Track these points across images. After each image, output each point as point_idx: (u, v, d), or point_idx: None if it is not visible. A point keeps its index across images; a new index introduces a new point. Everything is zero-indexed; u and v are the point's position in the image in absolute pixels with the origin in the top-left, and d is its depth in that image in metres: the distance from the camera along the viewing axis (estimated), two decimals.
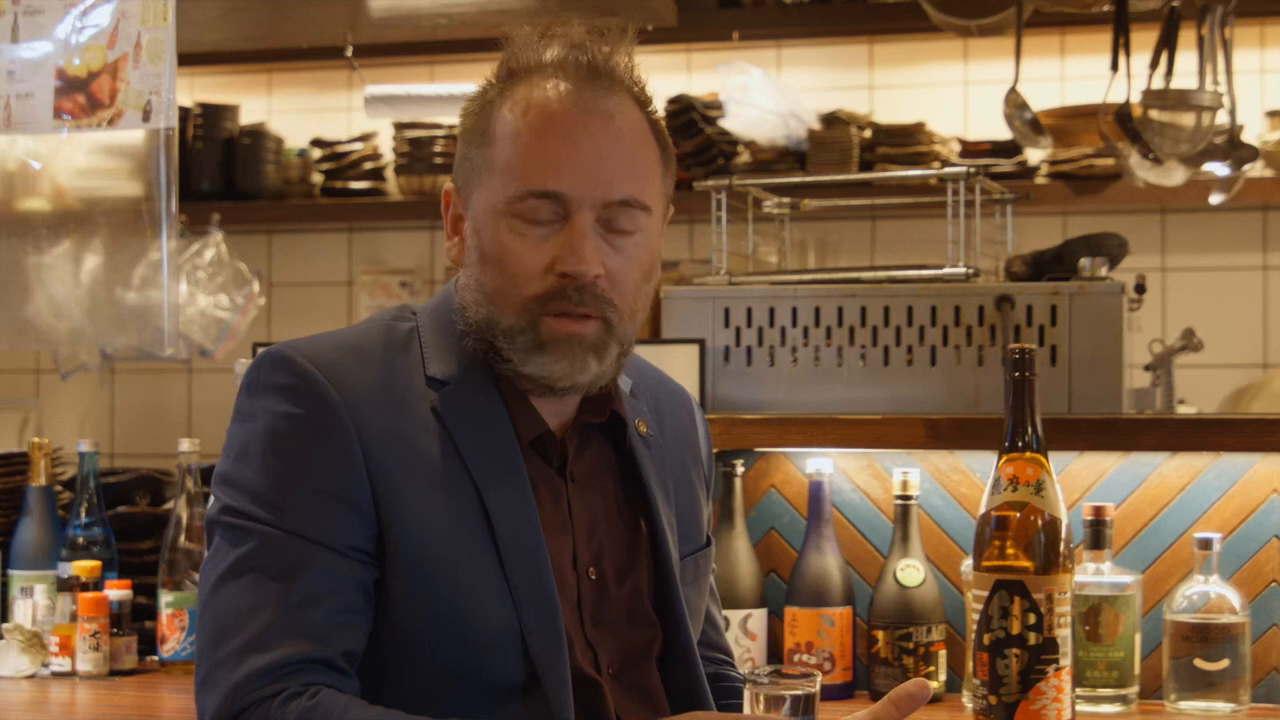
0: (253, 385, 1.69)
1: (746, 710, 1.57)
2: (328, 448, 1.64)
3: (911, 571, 2.44)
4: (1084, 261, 2.68)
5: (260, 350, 1.78)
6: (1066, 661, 1.84)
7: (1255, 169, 3.99)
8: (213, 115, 4.85)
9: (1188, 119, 3.47)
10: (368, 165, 4.85)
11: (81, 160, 3.03)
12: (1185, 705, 2.36)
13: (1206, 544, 2.36)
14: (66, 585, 2.71)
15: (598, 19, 1.75)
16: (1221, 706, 2.34)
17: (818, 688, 1.56)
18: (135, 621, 2.73)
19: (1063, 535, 1.86)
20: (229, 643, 1.59)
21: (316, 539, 1.62)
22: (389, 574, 1.64)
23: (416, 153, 4.74)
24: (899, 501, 2.47)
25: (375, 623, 1.65)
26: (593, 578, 1.74)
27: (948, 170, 2.71)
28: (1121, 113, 3.49)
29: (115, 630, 2.66)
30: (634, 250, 1.71)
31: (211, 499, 1.69)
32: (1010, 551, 1.86)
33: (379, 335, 1.73)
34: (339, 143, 4.90)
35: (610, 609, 1.74)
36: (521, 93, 1.70)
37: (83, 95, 2.87)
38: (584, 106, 1.68)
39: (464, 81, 4.47)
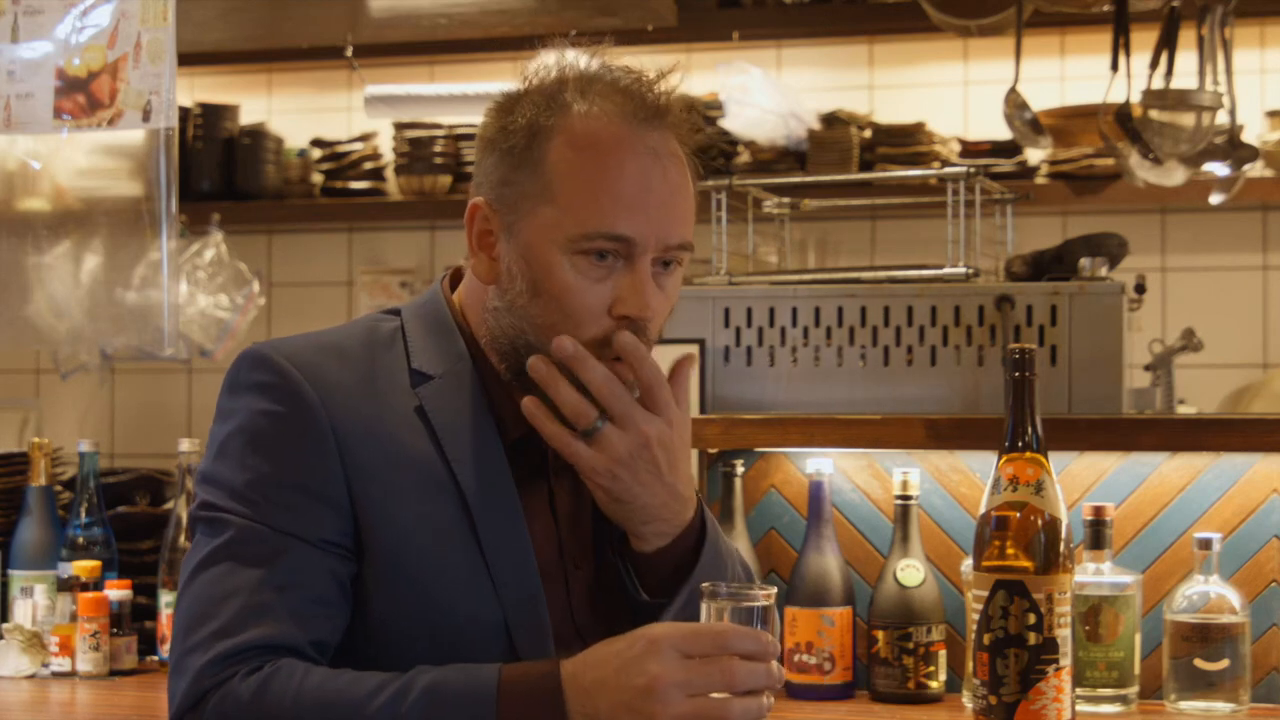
0: (233, 384, 1.71)
1: (703, 622, 1.60)
2: (304, 444, 1.66)
3: (911, 571, 2.44)
4: (1084, 261, 2.68)
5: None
6: (1066, 661, 1.84)
7: (1255, 169, 3.99)
8: (213, 115, 4.85)
9: (1188, 119, 3.47)
10: (368, 165, 4.85)
11: (81, 160, 3.03)
12: (1185, 705, 2.35)
13: (1206, 544, 2.36)
14: (66, 585, 2.71)
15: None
16: (1221, 706, 2.34)
17: (773, 601, 1.60)
18: (135, 621, 2.73)
19: (1063, 535, 1.86)
20: (200, 630, 1.61)
21: (291, 532, 1.64)
22: (368, 569, 1.66)
23: (416, 153, 4.73)
24: (899, 501, 2.47)
25: (356, 618, 1.67)
26: (579, 568, 1.75)
27: (948, 170, 2.71)
28: (1121, 113, 3.49)
29: (115, 630, 2.66)
30: (672, 288, 1.74)
31: (195, 497, 1.71)
32: (1010, 551, 1.86)
33: (361, 334, 1.75)
34: (339, 143, 4.90)
35: (598, 598, 1.76)
36: (579, 125, 1.68)
37: (83, 95, 2.87)
38: (651, 148, 1.68)
39: (464, 81, 4.48)
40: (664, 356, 2.66)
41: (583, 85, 1.70)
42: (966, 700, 2.40)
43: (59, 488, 2.91)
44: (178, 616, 1.65)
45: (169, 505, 2.94)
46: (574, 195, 1.67)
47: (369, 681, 1.57)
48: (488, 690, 1.54)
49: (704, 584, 1.62)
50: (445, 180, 4.71)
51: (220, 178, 4.83)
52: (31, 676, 2.65)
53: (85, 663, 2.63)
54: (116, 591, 2.67)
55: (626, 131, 1.68)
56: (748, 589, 1.60)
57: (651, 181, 1.68)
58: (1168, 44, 3.45)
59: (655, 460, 1.67)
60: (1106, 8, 3.56)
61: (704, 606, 1.60)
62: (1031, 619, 1.83)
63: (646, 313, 1.68)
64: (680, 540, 1.72)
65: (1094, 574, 2.36)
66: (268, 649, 1.60)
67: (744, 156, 4.46)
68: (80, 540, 2.77)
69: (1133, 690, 2.37)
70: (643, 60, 1.76)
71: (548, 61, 1.73)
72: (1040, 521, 1.86)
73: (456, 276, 1.82)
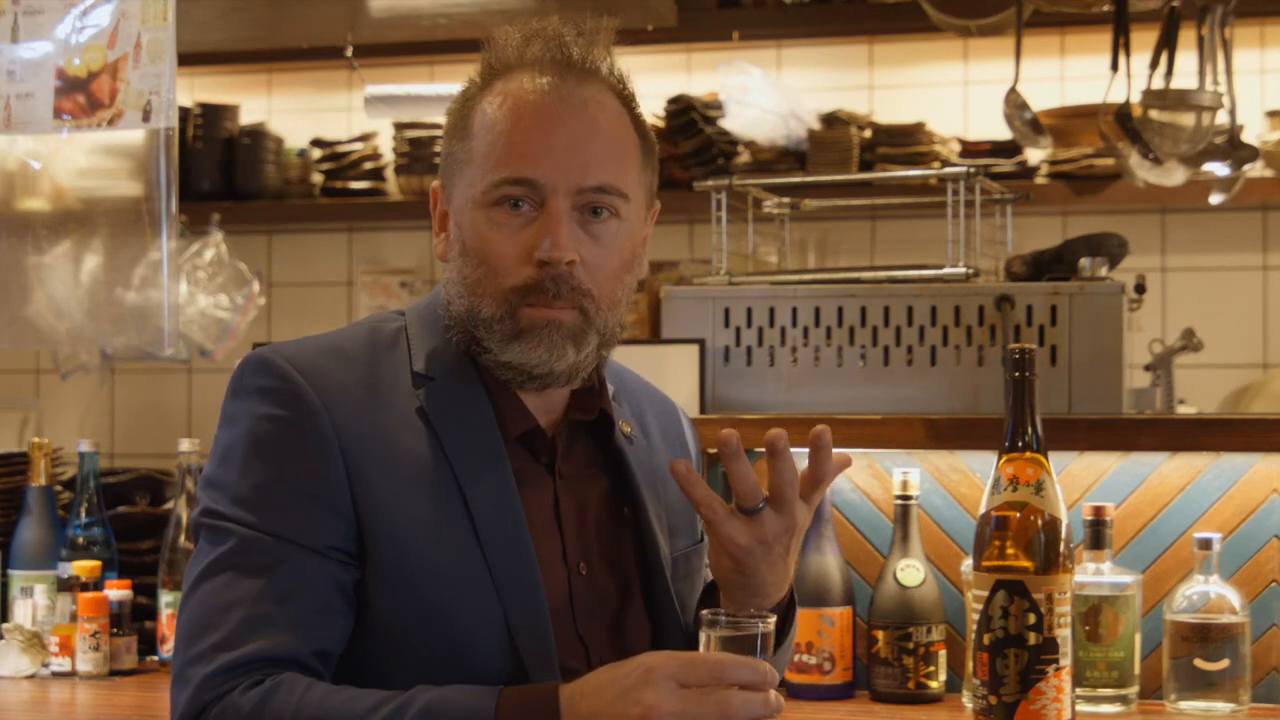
0: (236, 389, 1.71)
1: (701, 651, 1.59)
2: (307, 449, 1.65)
3: (911, 571, 2.44)
4: (1084, 261, 2.68)
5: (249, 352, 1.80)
6: (1066, 661, 1.84)
7: (1255, 169, 3.99)
8: (213, 115, 4.85)
9: (1188, 119, 3.47)
10: (368, 165, 4.85)
11: (81, 160, 3.03)
12: (1185, 705, 2.36)
13: (1206, 544, 2.36)
14: (66, 585, 2.71)
15: (593, 19, 1.75)
16: (1221, 706, 2.34)
17: (771, 629, 1.60)
18: (135, 621, 2.73)
19: (1063, 535, 1.86)
20: (202, 640, 1.61)
21: (293, 539, 1.63)
22: (370, 573, 1.65)
23: (416, 153, 4.73)
24: (899, 501, 2.47)
25: (359, 623, 1.66)
26: (583, 573, 1.75)
27: (948, 170, 2.71)
28: (1121, 113, 3.49)
29: (115, 630, 2.66)
30: (612, 239, 1.72)
31: (197, 502, 1.71)
32: (1010, 551, 1.86)
33: (364, 336, 1.76)
34: (339, 143, 4.90)
35: (601, 604, 1.76)
36: (499, 87, 1.73)
37: (83, 95, 2.87)
38: (559, 95, 1.70)
39: (464, 82, 4.47)
40: (665, 356, 2.67)
41: (507, 56, 1.74)
42: (966, 700, 2.40)
43: (59, 488, 2.91)
44: (180, 626, 1.65)
45: (169, 505, 2.94)
46: (485, 149, 1.70)
47: (368, 699, 1.57)
48: (485, 713, 1.54)
49: (703, 611, 1.61)
50: None
51: (220, 178, 4.83)
52: (31, 676, 2.65)
53: (85, 663, 2.63)
54: (116, 591, 2.67)
55: (539, 84, 1.71)
56: (747, 617, 1.59)
57: (555, 124, 1.69)
58: (1168, 44, 3.45)
59: (789, 546, 1.69)
60: (1106, 8, 3.56)
61: (702, 635, 1.60)
62: (1031, 619, 1.83)
63: (558, 253, 1.67)
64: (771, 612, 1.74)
65: (1094, 574, 2.36)
66: (269, 661, 1.60)
67: (744, 156, 4.46)
68: (80, 540, 2.77)
69: (1133, 690, 2.37)
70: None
71: (485, 52, 1.78)
72: (1040, 521, 1.86)
73: None
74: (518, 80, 1.72)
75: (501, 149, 1.69)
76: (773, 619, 1.60)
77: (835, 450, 1.72)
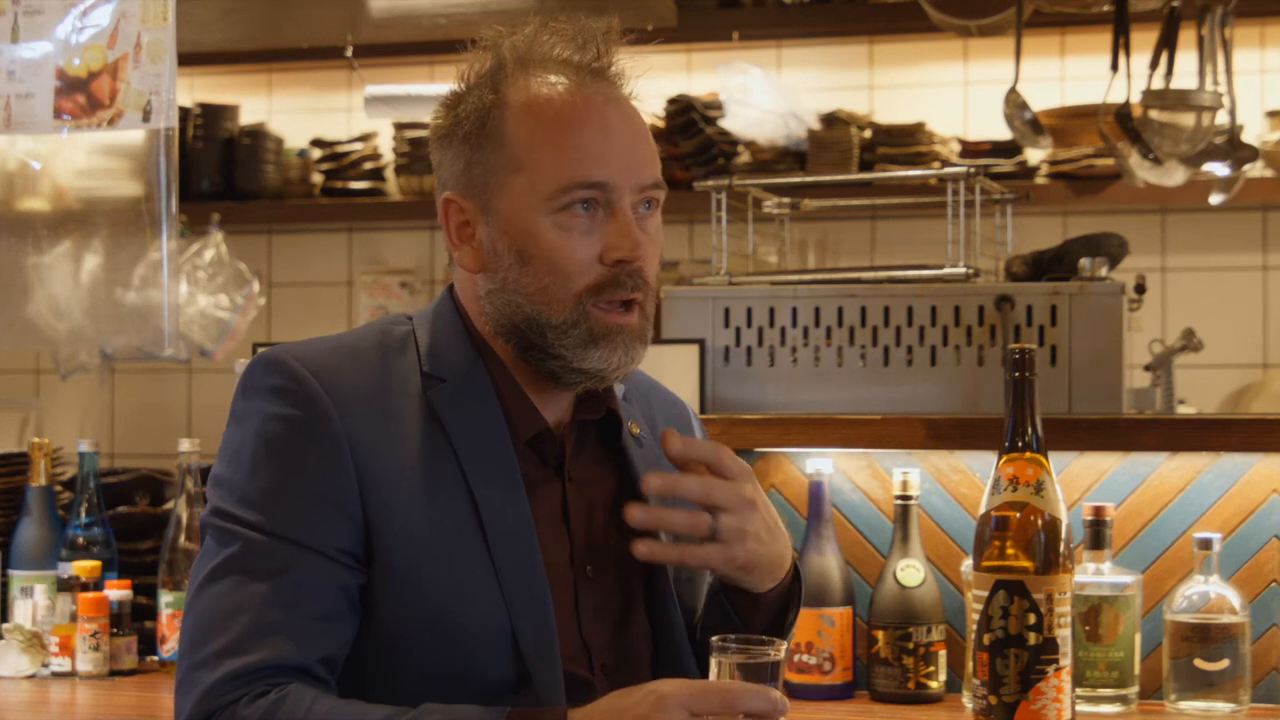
0: (247, 388, 1.70)
1: (712, 678, 1.60)
2: (318, 451, 1.65)
3: (911, 571, 2.44)
4: (1084, 261, 2.68)
5: (259, 351, 1.79)
6: (1066, 661, 1.84)
7: (1255, 169, 3.99)
8: (213, 115, 4.86)
9: (1188, 119, 3.47)
10: (368, 165, 4.85)
11: (81, 160, 3.03)
12: (1185, 705, 2.36)
13: (1206, 544, 2.36)
14: (66, 585, 2.71)
15: (595, 19, 1.75)
16: (1221, 706, 2.34)
17: (782, 655, 1.60)
18: (135, 621, 2.73)
19: (1063, 535, 1.86)
20: (208, 645, 1.60)
21: (302, 542, 1.63)
22: (378, 576, 1.65)
23: (416, 153, 4.74)
24: (899, 501, 2.47)
25: (364, 626, 1.66)
26: (590, 575, 1.74)
27: (948, 170, 2.71)
28: (1121, 113, 3.49)
29: (115, 630, 2.66)
30: (655, 231, 1.74)
31: (206, 500, 1.70)
32: (1010, 551, 1.86)
33: (374, 338, 1.75)
34: (339, 143, 4.90)
35: (606, 607, 1.75)
36: (526, 89, 1.70)
37: (83, 95, 2.87)
38: (603, 97, 1.70)
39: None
40: (665, 356, 2.67)
41: (520, 58, 1.73)
42: (966, 700, 2.40)
43: (59, 488, 2.90)
44: (185, 628, 1.64)
45: (169, 505, 2.93)
46: (541, 156, 1.68)
47: (374, 714, 1.57)
48: None
49: (713, 639, 1.61)
50: None
51: (220, 178, 4.84)
52: (31, 676, 2.65)
53: (85, 663, 2.63)
54: (116, 591, 2.67)
55: (574, 87, 1.70)
56: (758, 644, 1.59)
57: (613, 125, 1.70)
58: (1168, 44, 3.45)
59: (763, 518, 1.72)
60: (1106, 8, 3.56)
61: (713, 662, 1.60)
62: (1031, 619, 1.83)
63: (638, 253, 1.69)
64: (784, 578, 1.78)
65: (1094, 574, 2.36)
66: (276, 670, 1.59)
67: (744, 156, 4.46)
68: (80, 540, 2.77)
69: (1133, 690, 2.37)
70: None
71: (482, 53, 1.76)
72: (1040, 521, 1.86)
73: None
74: (546, 82, 1.70)
75: (562, 154, 1.68)
76: (784, 645, 1.61)
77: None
